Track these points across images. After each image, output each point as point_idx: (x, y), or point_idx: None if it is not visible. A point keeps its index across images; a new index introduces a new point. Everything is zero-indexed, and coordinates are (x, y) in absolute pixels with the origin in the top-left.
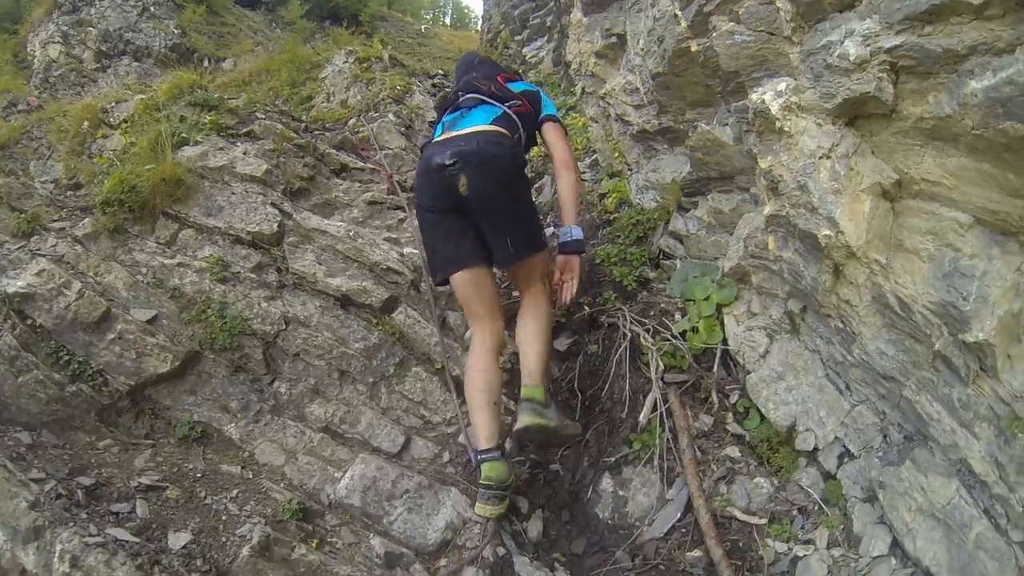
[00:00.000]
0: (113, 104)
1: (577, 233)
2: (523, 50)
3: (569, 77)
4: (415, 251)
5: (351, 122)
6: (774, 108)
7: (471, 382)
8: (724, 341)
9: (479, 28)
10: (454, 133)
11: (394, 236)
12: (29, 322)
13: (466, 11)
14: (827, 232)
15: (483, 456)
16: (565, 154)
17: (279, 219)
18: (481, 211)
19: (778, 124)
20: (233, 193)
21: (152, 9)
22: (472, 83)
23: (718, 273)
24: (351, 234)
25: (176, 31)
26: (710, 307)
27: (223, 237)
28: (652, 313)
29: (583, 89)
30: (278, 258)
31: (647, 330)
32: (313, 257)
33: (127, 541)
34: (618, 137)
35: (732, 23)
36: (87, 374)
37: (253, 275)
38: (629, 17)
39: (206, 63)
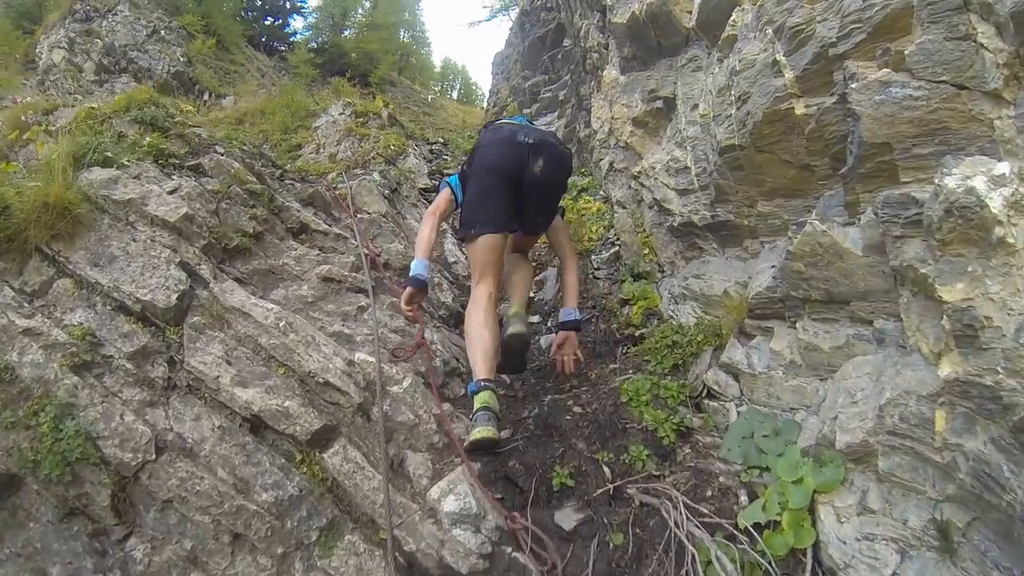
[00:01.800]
0: (56, 109)
1: (577, 314)
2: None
3: (582, 156)
4: (370, 358)
5: (330, 176)
6: (995, 204)
7: (476, 321)
8: (816, 543)
9: (485, 103)
10: (526, 126)
11: (347, 331)
12: None
13: (474, 87)
14: None
15: (485, 383)
16: (574, 253)
17: (185, 287)
18: (539, 190)
19: (998, 232)
20: (134, 240)
21: (163, 33)
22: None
23: (798, 434)
24: (282, 325)
25: (182, 59)
26: (802, 495)
27: (104, 300)
28: (710, 494)
29: (611, 164)
30: (173, 344)
31: (707, 526)
32: (221, 351)
33: None
34: (651, 229)
35: (888, 70)
36: None
37: (130, 365)
38: (681, 77)
39: (206, 96)
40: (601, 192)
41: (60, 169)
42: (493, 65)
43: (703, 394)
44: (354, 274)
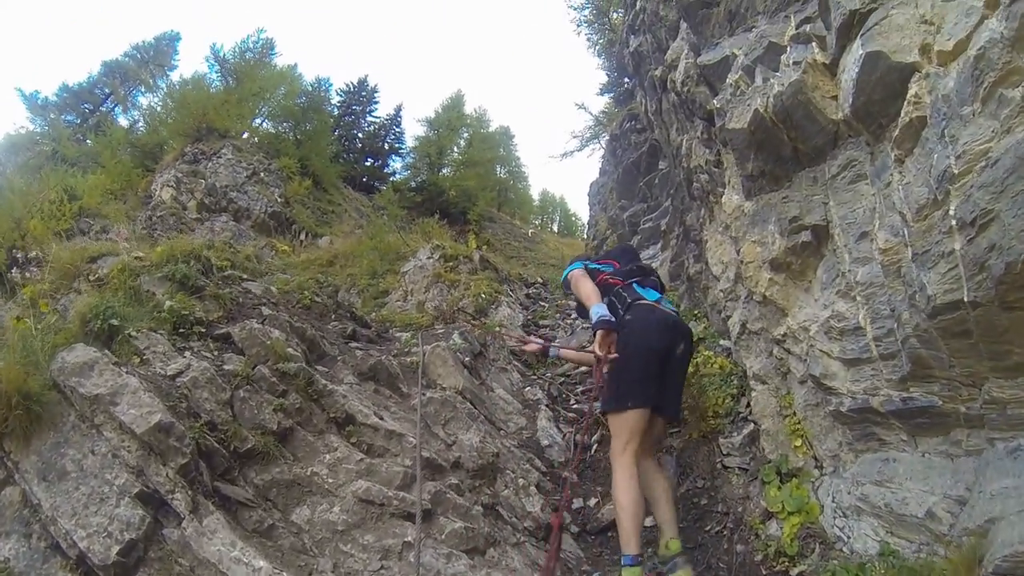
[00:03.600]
0: (102, 256)
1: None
2: None
3: (694, 295)
4: None
5: (404, 337)
6: None
7: (629, 488)
8: None
9: (585, 236)
10: (667, 309)
11: None
12: None
13: (574, 218)
14: None
15: (638, 559)
16: None
17: (136, 534)
18: (678, 370)
19: None
20: (94, 451)
21: (262, 174)
22: (650, 269)
23: None
24: None
25: (279, 200)
26: None
27: (42, 531)
28: None
29: (742, 325)
30: None
31: None
32: None
33: None
34: (803, 411)
35: None
36: None
37: None
38: (834, 193)
39: (303, 236)
40: (722, 342)
41: (16, 349)
42: (589, 196)
43: None
44: (402, 494)
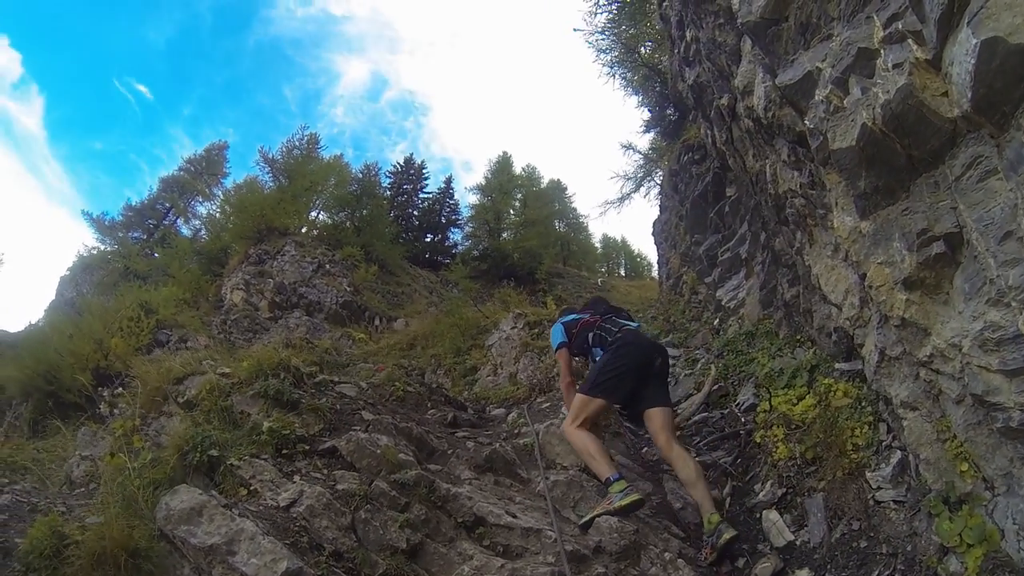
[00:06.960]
0: (188, 376)
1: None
2: (716, 293)
3: (793, 321)
4: None
5: (511, 417)
6: None
7: (580, 432)
8: None
9: (656, 275)
10: (640, 333)
11: None
12: None
13: (639, 259)
14: None
15: (619, 475)
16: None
17: None
18: (656, 375)
19: None
20: None
21: (327, 267)
22: (621, 309)
23: None
24: None
25: (348, 289)
26: None
27: None
28: None
29: (881, 353)
30: None
31: None
32: None
33: None
34: (965, 432)
35: None
36: None
37: None
38: (962, 195)
39: (377, 322)
40: (838, 365)
41: (116, 497)
42: (654, 235)
43: None
44: None
